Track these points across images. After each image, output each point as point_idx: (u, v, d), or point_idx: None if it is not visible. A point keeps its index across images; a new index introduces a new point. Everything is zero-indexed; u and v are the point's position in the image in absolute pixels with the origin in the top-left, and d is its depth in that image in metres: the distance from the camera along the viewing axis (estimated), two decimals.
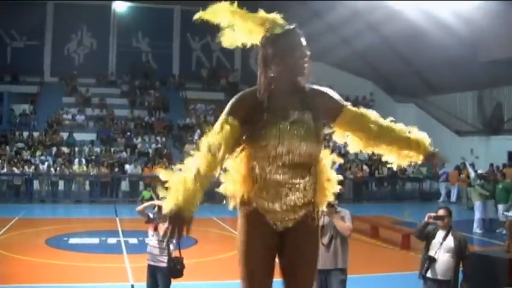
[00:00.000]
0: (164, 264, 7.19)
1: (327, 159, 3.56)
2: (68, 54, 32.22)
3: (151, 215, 7.42)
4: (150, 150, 25.41)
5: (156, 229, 7.34)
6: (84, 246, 12.61)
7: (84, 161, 23.17)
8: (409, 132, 3.59)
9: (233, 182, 3.41)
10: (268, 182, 3.31)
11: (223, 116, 3.33)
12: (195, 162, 3.10)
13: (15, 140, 25.16)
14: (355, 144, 3.63)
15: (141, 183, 22.38)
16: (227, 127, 3.24)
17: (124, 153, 24.78)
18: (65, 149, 24.53)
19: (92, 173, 22.26)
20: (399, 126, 3.60)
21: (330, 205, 6.63)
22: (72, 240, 13.10)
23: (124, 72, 31.38)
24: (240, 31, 3.45)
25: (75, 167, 22.57)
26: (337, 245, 6.65)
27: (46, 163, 22.16)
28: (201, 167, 3.06)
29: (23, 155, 23.17)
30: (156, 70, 32.20)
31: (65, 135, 25.76)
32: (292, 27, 3.40)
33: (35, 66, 30.67)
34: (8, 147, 24.05)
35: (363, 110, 3.56)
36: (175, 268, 7.14)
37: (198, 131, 25.52)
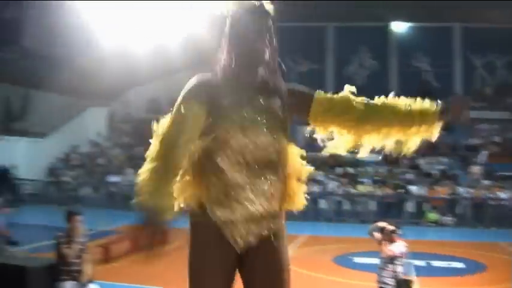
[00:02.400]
0: (388, 286, 7.16)
1: (296, 158, 2.94)
2: (349, 76, 33.11)
3: (376, 235, 7.44)
4: (435, 171, 24.73)
5: (381, 250, 7.35)
6: (369, 266, 12.63)
7: (369, 181, 23.48)
8: (409, 105, 2.95)
9: (183, 184, 2.71)
10: (226, 184, 2.64)
11: (180, 101, 2.70)
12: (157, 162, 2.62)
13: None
14: (344, 138, 2.98)
15: (425, 204, 21.91)
16: (189, 112, 2.64)
17: (409, 174, 24.49)
18: (350, 169, 25.08)
19: (376, 193, 22.40)
20: (394, 100, 2.99)
21: None
22: (358, 259, 13.24)
23: (405, 92, 31.05)
24: None
25: (361, 187, 22.94)
26: None
27: (333, 183, 22.91)
28: (165, 169, 2.58)
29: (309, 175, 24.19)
30: (437, 89, 31.44)
31: (349, 155, 26.27)
32: (253, 4, 2.82)
33: (318, 89, 31.99)
34: None
35: (341, 94, 2.98)
36: None
37: (483, 151, 24.27)
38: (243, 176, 2.64)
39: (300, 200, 2.98)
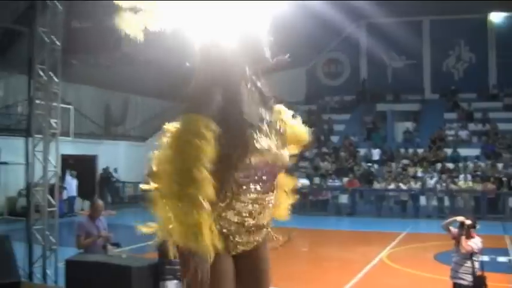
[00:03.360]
0: (464, 282, 6.97)
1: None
2: (446, 70, 32.22)
3: (453, 230, 7.27)
4: None
5: (457, 244, 7.14)
6: None
7: (469, 176, 22.76)
8: None
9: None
10: (240, 199, 2.56)
11: (195, 116, 2.42)
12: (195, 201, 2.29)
13: (401, 157, 26.03)
14: None
15: None
16: (209, 135, 2.36)
17: (511, 168, 23.53)
18: (450, 165, 24.44)
19: (477, 189, 21.66)
20: None
21: None
22: None
23: (506, 84, 29.97)
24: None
25: (461, 182, 22.27)
26: None
27: (434, 179, 22.39)
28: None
29: (408, 172, 23.81)
30: None
31: (448, 151, 25.69)
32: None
33: (415, 84, 31.43)
34: (393, 164, 25.02)
35: None
36: (479, 287, 6.84)
37: None
38: (256, 193, 2.60)
39: (285, 211, 2.99)
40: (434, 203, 21.84)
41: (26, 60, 9.37)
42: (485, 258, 12.71)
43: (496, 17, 30.90)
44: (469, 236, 7.15)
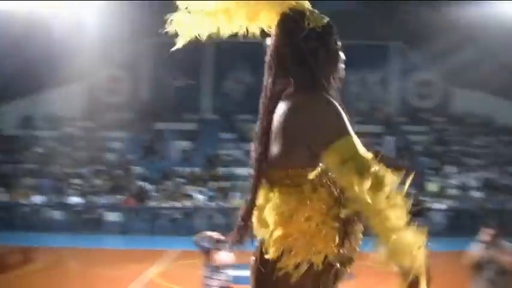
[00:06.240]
0: None
1: None
2: (225, 92, 32.82)
3: (205, 245, 7.17)
4: None
5: (207, 258, 7.13)
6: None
7: (241, 194, 22.23)
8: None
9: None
10: (356, 230, 2.28)
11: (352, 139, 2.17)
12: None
13: (177, 176, 25.57)
14: None
15: None
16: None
17: None
18: (225, 183, 24.56)
19: None
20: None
21: None
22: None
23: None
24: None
25: (234, 200, 22.03)
26: None
27: (203, 197, 22.72)
28: None
29: (183, 190, 23.67)
30: None
31: (223, 170, 25.96)
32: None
33: (194, 104, 31.99)
34: (169, 183, 24.70)
35: None
36: None
37: None
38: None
39: None
40: (208, 220, 21.59)
41: None
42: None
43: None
44: (218, 250, 7.03)
